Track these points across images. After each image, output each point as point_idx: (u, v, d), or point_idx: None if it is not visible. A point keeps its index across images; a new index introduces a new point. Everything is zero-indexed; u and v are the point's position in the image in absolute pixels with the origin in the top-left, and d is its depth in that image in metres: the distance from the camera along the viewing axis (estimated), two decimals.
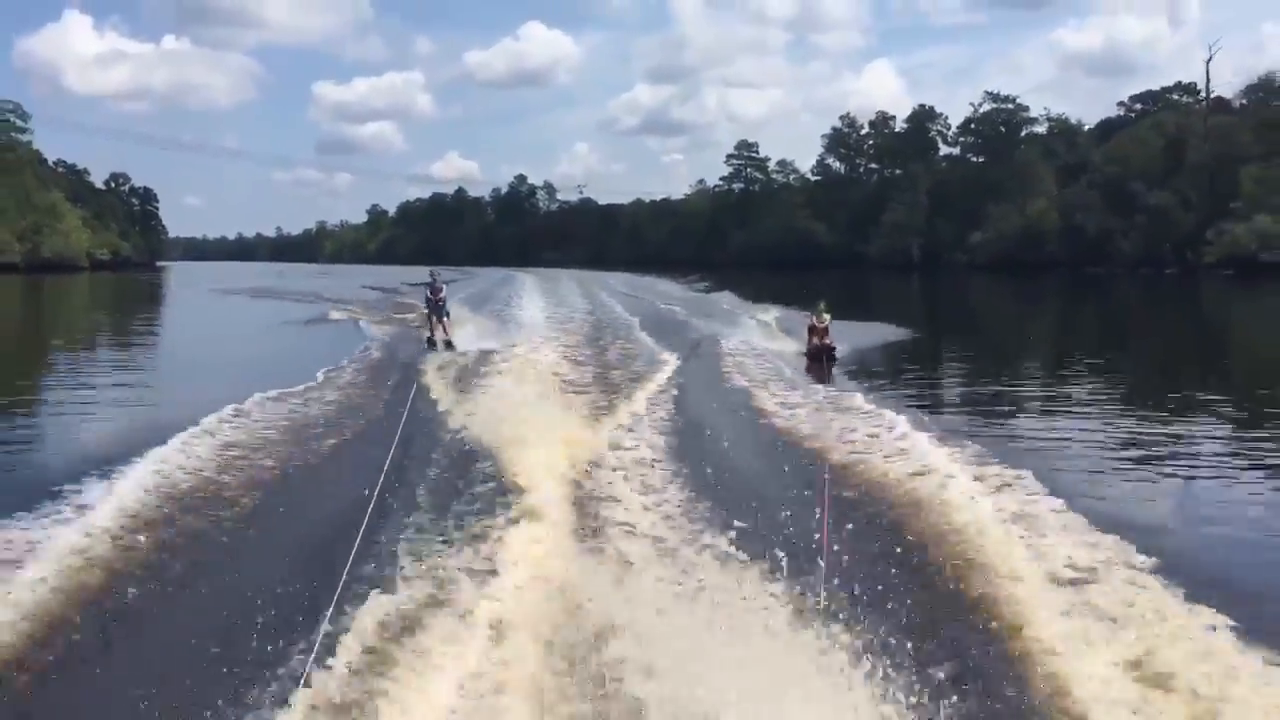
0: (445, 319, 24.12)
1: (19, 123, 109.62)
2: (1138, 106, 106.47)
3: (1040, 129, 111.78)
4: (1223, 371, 22.82)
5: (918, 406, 15.28)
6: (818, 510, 7.53)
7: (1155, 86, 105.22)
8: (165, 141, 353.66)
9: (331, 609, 6.13)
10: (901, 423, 12.76)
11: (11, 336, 35.68)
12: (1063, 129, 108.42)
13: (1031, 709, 5.40)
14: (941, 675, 5.55)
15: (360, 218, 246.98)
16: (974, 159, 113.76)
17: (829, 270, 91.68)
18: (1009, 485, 9.62)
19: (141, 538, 8.08)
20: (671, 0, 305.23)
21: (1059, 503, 8.99)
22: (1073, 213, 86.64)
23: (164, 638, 6.43)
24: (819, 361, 20.29)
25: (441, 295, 24.23)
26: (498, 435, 10.92)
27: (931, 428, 12.68)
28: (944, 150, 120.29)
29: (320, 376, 17.60)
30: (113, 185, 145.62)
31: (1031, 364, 24.61)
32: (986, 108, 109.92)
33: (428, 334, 24.10)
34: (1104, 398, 17.70)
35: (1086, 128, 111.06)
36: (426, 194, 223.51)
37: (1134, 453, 12.41)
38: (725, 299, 45.65)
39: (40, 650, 6.03)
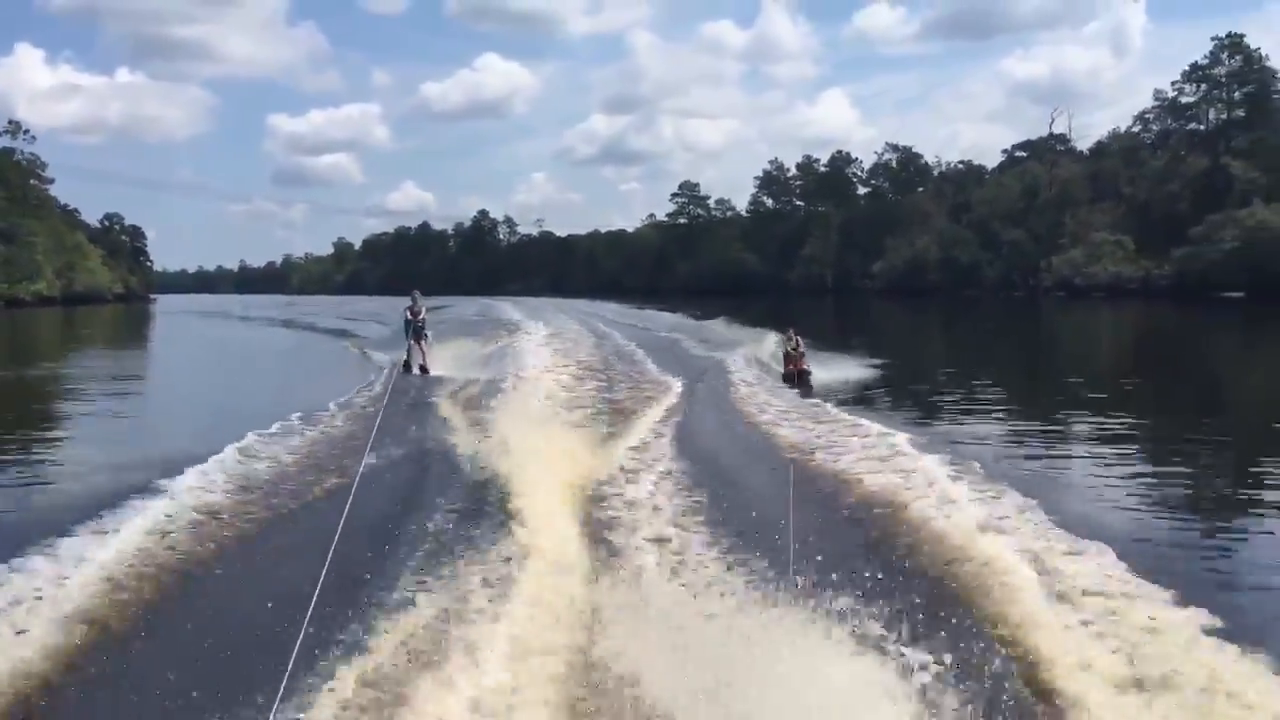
0: (424, 342, 24.04)
1: (40, 172, 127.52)
2: (1019, 154, 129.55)
3: (948, 169, 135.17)
4: (1052, 359, 33.83)
5: (882, 412, 18.01)
6: (788, 508, 8.10)
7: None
8: (118, 176, 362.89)
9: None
10: (876, 429, 14.48)
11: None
12: (953, 175, 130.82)
13: (992, 676, 5.94)
14: (905, 649, 6.09)
15: (317, 248, 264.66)
16: (891, 196, 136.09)
17: (758, 296, 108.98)
18: (954, 470, 11.28)
19: (163, 556, 8.52)
20: (626, 31, 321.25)
21: (980, 472, 11.13)
22: (950, 246, 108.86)
23: (156, 663, 6.60)
24: (796, 384, 21.71)
25: (421, 317, 24.16)
26: (497, 457, 11.51)
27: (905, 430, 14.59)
28: (862, 190, 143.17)
29: (332, 407, 17.61)
30: (108, 224, 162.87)
31: (928, 361, 32.34)
32: (888, 156, 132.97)
33: (404, 357, 23.85)
34: (981, 387, 23.57)
35: (991, 167, 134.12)
36: (383, 225, 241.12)
37: (1032, 430, 16.53)
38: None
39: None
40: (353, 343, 40.93)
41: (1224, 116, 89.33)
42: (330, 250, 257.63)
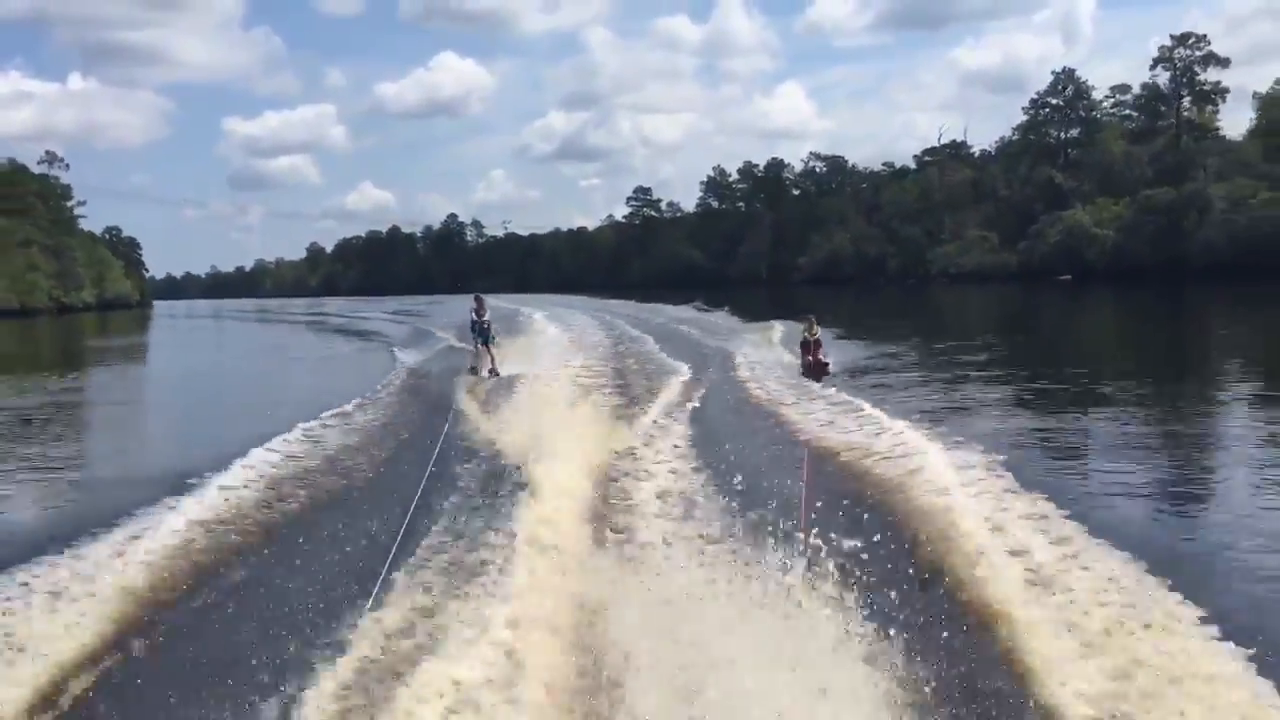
0: (491, 344, 24.98)
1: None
2: (926, 158, 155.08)
3: (868, 172, 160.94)
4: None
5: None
6: (801, 494, 8.80)
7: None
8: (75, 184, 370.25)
9: (369, 607, 7.57)
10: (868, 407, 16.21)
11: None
12: (872, 177, 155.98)
13: (996, 682, 6.34)
14: (911, 650, 6.38)
15: (274, 250, 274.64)
16: (820, 199, 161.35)
17: (703, 287, 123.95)
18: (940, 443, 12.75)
19: (219, 536, 10.18)
20: (582, 28, 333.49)
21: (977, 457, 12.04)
22: (861, 242, 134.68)
23: (216, 639, 7.84)
24: (813, 375, 21.89)
25: (486, 319, 25.03)
26: (523, 447, 12.69)
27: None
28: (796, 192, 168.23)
29: (359, 401, 19.72)
30: (109, 236, 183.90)
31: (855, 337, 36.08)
32: (814, 164, 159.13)
33: (473, 363, 24.90)
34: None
35: (914, 169, 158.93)
36: (341, 225, 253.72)
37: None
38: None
39: (98, 660, 7.35)
40: (384, 343, 45.25)
41: (1063, 135, 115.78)
42: (302, 254, 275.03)
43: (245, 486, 12.16)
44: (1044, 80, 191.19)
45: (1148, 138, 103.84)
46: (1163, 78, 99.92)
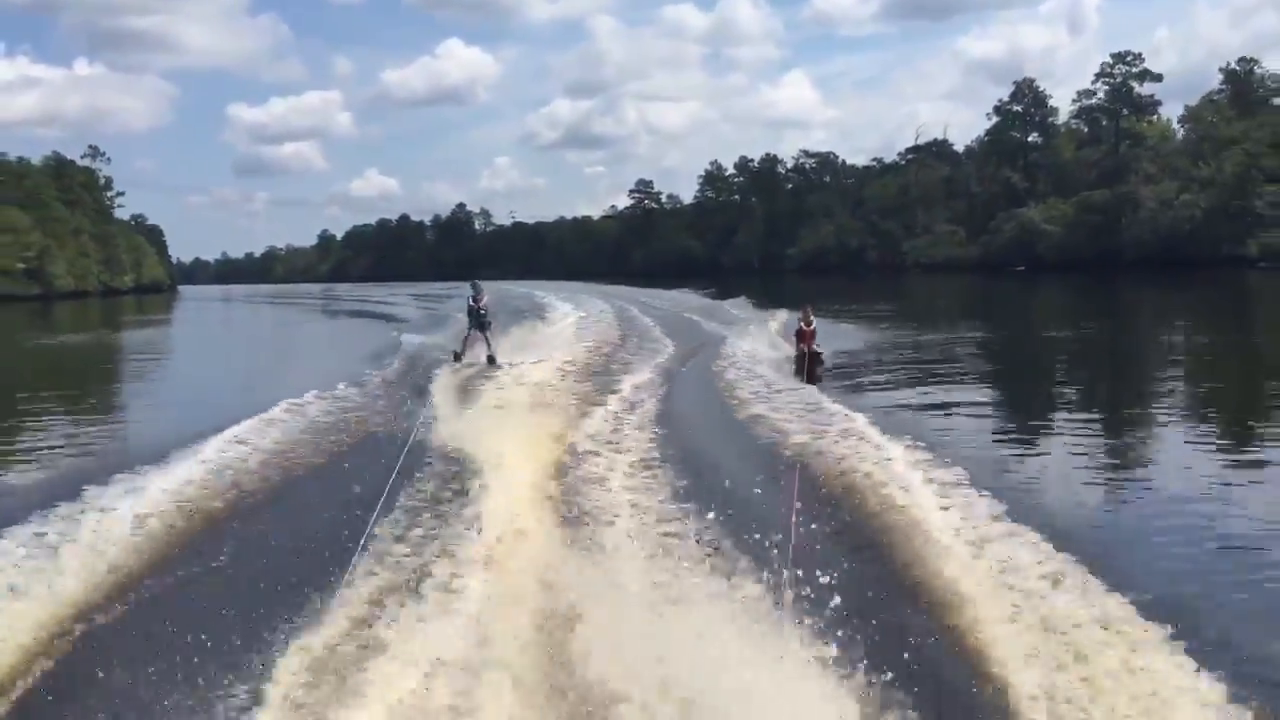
0: (487, 331, 24.92)
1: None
2: (910, 155, 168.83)
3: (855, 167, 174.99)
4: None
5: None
6: (788, 508, 8.65)
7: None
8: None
9: (331, 596, 7.62)
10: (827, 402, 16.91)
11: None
12: (859, 172, 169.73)
13: (976, 702, 6.32)
14: (889, 665, 6.32)
15: (279, 237, 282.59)
16: (808, 195, 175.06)
17: (699, 275, 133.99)
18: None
19: (172, 528, 10.26)
20: (587, 16, 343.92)
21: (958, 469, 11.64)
22: (844, 234, 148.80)
23: (175, 624, 7.65)
24: (806, 366, 21.69)
25: (483, 304, 25.08)
26: (499, 444, 12.56)
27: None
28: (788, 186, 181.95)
29: (344, 387, 19.80)
30: (133, 224, 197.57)
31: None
32: (804, 160, 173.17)
33: (458, 348, 24.94)
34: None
35: (902, 164, 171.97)
36: (348, 213, 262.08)
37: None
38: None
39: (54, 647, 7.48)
40: (396, 328, 46.41)
41: (1024, 139, 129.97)
42: (307, 241, 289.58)
43: (217, 468, 12.68)
44: (1048, 71, 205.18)
45: (1100, 143, 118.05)
46: (1103, 91, 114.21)
